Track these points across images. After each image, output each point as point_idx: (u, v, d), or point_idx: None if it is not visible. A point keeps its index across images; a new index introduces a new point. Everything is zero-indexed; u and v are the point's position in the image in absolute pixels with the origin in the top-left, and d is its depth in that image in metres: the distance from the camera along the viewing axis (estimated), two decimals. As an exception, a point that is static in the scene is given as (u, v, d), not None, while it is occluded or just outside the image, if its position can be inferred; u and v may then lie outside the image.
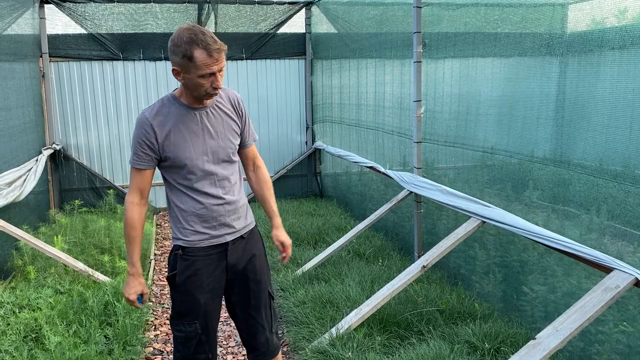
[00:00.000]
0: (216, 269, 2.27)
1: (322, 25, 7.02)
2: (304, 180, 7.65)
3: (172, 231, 2.29)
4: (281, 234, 2.43)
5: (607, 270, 2.44)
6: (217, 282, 2.29)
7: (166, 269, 4.86)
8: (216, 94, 2.14)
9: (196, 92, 2.10)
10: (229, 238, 2.28)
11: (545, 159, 3.16)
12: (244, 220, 2.34)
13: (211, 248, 2.25)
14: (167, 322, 3.94)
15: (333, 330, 3.19)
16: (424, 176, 4.26)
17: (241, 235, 2.32)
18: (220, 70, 2.06)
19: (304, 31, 7.40)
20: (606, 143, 2.72)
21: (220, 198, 2.23)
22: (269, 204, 2.48)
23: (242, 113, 2.33)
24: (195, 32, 2.00)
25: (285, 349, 3.50)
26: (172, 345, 2.41)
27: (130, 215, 2.19)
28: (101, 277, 4.12)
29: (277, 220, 2.46)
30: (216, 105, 2.24)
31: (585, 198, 2.83)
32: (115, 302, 3.56)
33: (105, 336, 3.25)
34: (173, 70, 2.07)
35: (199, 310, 2.26)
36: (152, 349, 3.51)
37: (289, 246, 2.43)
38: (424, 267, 3.38)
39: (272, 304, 2.43)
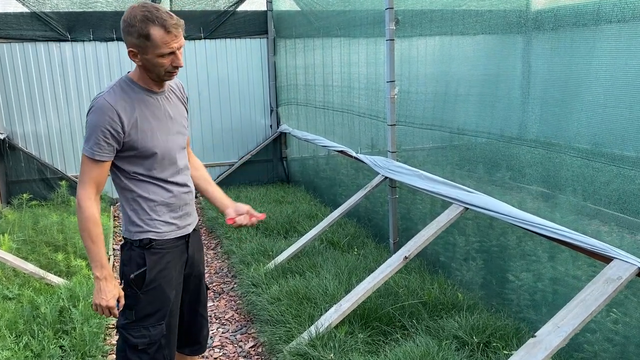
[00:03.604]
0: (179, 262, 2.17)
1: (285, 2, 6.68)
2: (270, 165, 7.35)
3: (133, 224, 2.06)
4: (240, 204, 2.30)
5: (605, 259, 2.30)
6: (180, 276, 2.19)
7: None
8: (176, 73, 2.00)
9: (155, 73, 1.95)
10: (190, 229, 2.20)
11: (520, 139, 3.02)
12: (195, 212, 2.27)
13: (177, 240, 2.14)
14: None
15: (312, 329, 2.98)
16: (398, 160, 4.07)
17: (194, 228, 2.25)
18: (179, 48, 1.92)
19: (266, 8, 7.05)
20: (579, 121, 2.59)
21: (186, 185, 2.15)
22: (213, 186, 2.36)
23: (187, 100, 2.25)
24: (149, 9, 1.85)
25: (260, 350, 3.28)
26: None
27: (91, 212, 1.95)
28: (55, 279, 3.78)
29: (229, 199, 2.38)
30: (170, 90, 2.12)
31: (562, 179, 2.72)
32: (71, 307, 3.24)
33: (60, 347, 2.95)
34: (129, 52, 1.91)
35: (167, 309, 2.11)
36: (113, 357, 3.23)
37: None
38: (406, 257, 3.20)
39: (207, 296, 2.44)
